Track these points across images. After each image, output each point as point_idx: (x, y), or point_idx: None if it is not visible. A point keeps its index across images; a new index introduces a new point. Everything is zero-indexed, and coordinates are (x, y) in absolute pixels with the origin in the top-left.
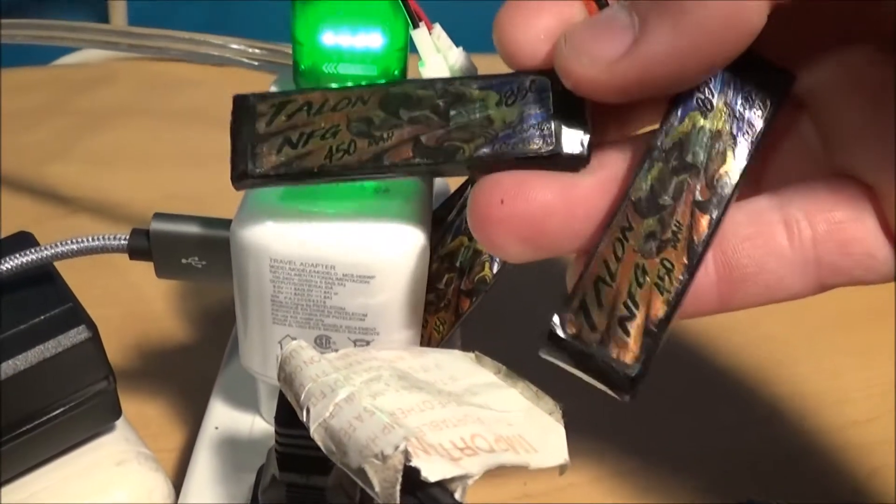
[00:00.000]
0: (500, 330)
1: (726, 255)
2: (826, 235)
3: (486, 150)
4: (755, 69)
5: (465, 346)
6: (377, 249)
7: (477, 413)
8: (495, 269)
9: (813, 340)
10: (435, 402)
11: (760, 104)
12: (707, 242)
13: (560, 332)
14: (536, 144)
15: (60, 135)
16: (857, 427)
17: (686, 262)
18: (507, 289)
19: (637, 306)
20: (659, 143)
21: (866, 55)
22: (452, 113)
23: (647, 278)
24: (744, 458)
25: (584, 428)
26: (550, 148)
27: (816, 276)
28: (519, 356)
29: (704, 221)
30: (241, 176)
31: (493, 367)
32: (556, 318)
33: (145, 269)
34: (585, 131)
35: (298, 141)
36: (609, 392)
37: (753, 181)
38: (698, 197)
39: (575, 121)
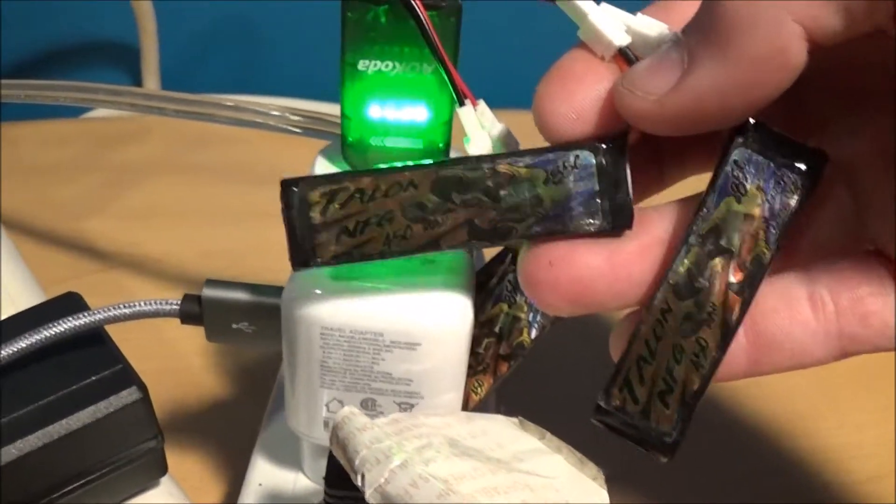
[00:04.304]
0: (536, 391)
1: (756, 324)
2: (847, 309)
3: (537, 228)
4: (788, 152)
5: (504, 407)
6: (423, 318)
7: (525, 479)
8: (533, 335)
9: (836, 395)
10: (485, 468)
11: (793, 186)
12: (739, 320)
13: (606, 405)
14: (585, 221)
15: (95, 190)
16: (877, 482)
17: (720, 339)
18: (543, 353)
19: (675, 382)
20: (695, 229)
21: None
22: (503, 194)
23: (684, 356)
24: None
25: (614, 486)
26: (598, 223)
27: (839, 345)
28: (554, 416)
29: (737, 302)
30: (304, 264)
31: (536, 433)
32: (603, 392)
33: (180, 325)
34: (629, 203)
35: (355, 229)
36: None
37: (790, 250)
38: (732, 279)
39: (619, 194)
